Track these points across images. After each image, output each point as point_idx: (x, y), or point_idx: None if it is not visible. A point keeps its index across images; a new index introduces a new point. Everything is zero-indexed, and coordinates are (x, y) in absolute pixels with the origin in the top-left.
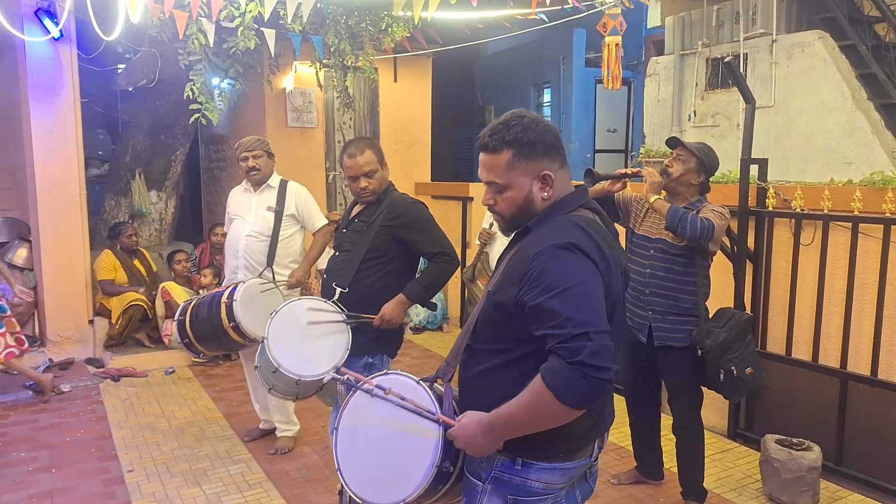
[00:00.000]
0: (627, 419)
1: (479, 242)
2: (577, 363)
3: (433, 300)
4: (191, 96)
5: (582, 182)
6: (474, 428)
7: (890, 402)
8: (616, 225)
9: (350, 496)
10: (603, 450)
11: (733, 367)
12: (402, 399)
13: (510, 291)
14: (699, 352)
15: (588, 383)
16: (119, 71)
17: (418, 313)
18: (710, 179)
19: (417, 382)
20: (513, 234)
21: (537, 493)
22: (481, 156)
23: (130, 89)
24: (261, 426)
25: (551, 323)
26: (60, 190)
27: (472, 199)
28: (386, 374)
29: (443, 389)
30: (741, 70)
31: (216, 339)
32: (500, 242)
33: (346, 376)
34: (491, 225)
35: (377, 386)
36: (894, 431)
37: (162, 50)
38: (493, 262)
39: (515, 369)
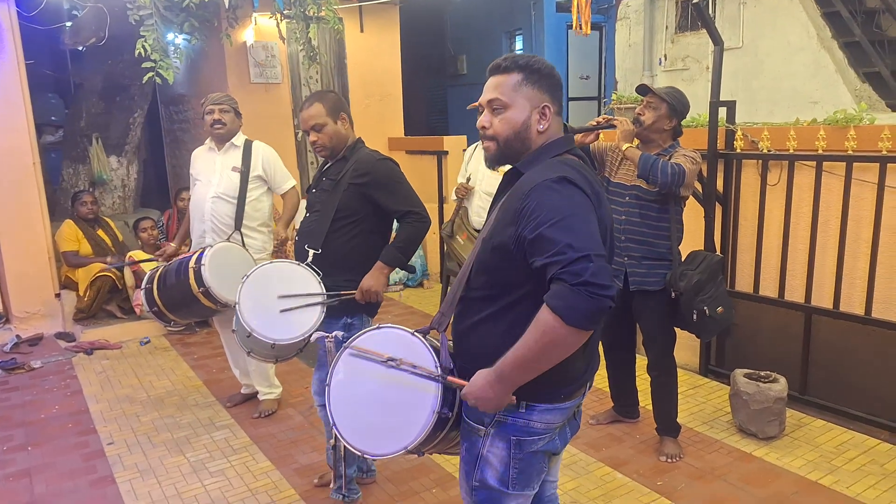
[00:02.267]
0: (604, 362)
1: (455, 198)
2: (581, 283)
3: (410, 262)
4: (143, 54)
5: None
6: (483, 382)
7: (851, 333)
8: None
9: (345, 451)
10: (590, 388)
11: (705, 308)
12: (415, 367)
13: (507, 231)
14: (673, 294)
15: (594, 301)
16: (66, 29)
17: (397, 271)
18: (681, 123)
19: (413, 334)
20: (501, 182)
21: (539, 432)
22: (490, 79)
23: (80, 49)
24: (242, 391)
25: (552, 251)
26: (12, 159)
27: (447, 153)
28: (379, 327)
29: (438, 341)
30: (710, 11)
31: (186, 305)
32: (479, 197)
33: (357, 350)
34: (468, 179)
35: (390, 358)
36: (855, 360)
37: (110, 5)
38: (472, 217)
39: (507, 317)
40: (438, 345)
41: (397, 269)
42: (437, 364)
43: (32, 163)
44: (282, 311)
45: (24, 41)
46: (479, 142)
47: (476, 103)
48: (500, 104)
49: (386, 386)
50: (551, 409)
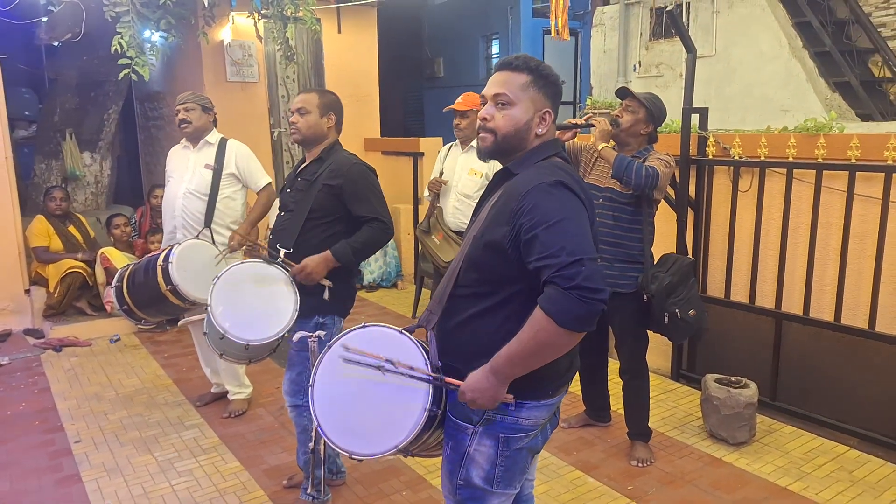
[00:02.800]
0: None
1: (428, 195)
2: (573, 287)
3: (389, 269)
4: (119, 51)
5: None
6: (479, 378)
7: (820, 339)
8: None
9: (329, 452)
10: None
11: (677, 310)
12: (412, 369)
13: (502, 230)
14: (645, 297)
15: (586, 305)
16: (41, 24)
17: (372, 271)
18: (657, 129)
19: (401, 333)
20: (496, 180)
21: (526, 429)
22: (498, 74)
23: (56, 44)
24: (212, 390)
25: (546, 253)
26: None
27: (422, 154)
28: (364, 326)
29: (426, 339)
30: (684, 19)
31: (155, 304)
32: (454, 195)
33: (351, 351)
34: (441, 174)
35: (387, 360)
36: (824, 366)
37: (86, 1)
38: (447, 217)
39: (500, 313)
40: (427, 343)
41: (373, 270)
42: (428, 363)
43: (4, 157)
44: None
45: None
46: (453, 142)
47: (452, 105)
48: (506, 100)
49: (373, 385)
50: (539, 406)
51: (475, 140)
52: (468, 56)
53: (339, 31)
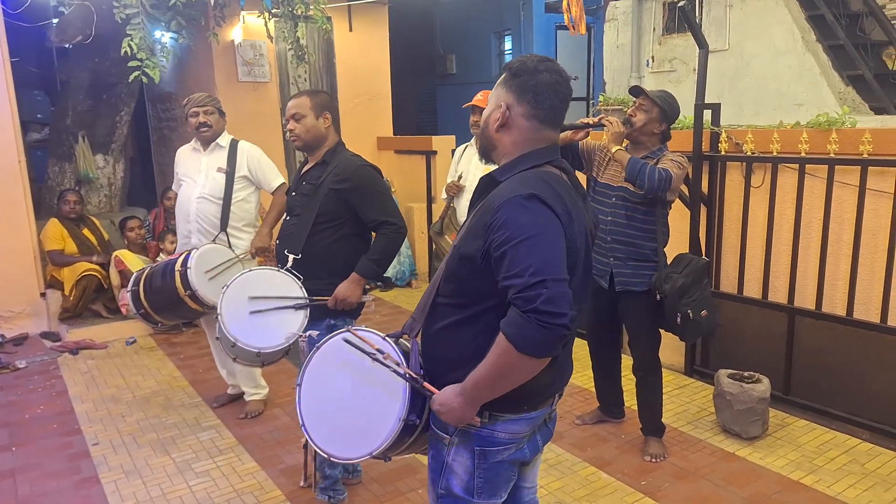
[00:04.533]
0: (590, 362)
1: (444, 197)
2: (531, 311)
3: (400, 268)
4: (129, 53)
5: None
6: (449, 394)
7: (833, 334)
8: (578, 173)
9: (315, 451)
10: (562, 397)
11: (689, 311)
12: (398, 364)
13: (476, 244)
14: (658, 296)
15: (544, 330)
16: (52, 27)
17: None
18: (671, 128)
19: (384, 338)
20: (481, 187)
21: (503, 442)
22: None
23: (67, 46)
24: (229, 391)
25: (511, 272)
26: None
27: (435, 152)
28: (351, 330)
29: (409, 345)
30: (697, 14)
31: (173, 308)
32: (468, 197)
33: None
34: (459, 177)
35: (378, 350)
36: (837, 360)
37: (97, 3)
38: (460, 217)
39: (474, 326)
40: (409, 349)
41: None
42: (405, 369)
43: (18, 161)
44: (251, 312)
45: (10, 38)
46: (468, 142)
47: (471, 102)
48: (485, 104)
49: (355, 389)
50: (515, 420)
51: None
52: (481, 53)
53: (351, 30)
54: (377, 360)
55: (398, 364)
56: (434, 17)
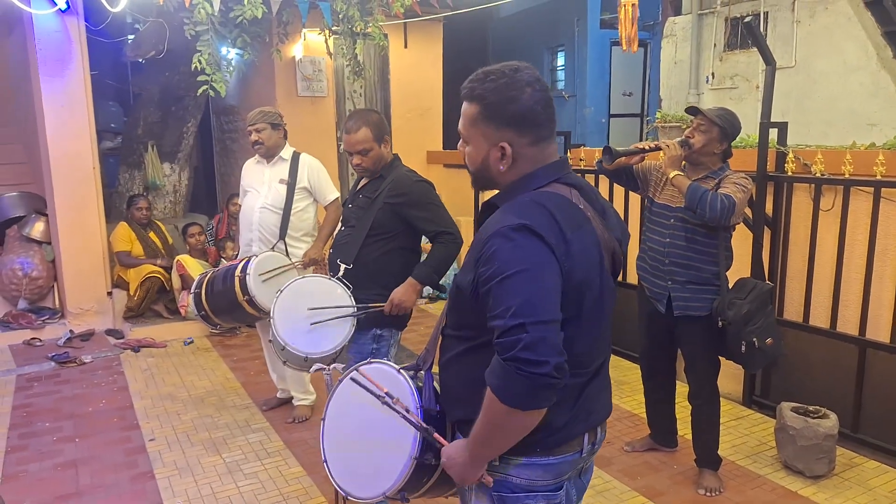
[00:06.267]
0: (642, 387)
1: None
2: (509, 358)
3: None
4: (198, 68)
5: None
6: (457, 449)
7: None
8: (634, 194)
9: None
10: (599, 447)
11: (755, 339)
12: (407, 411)
13: (468, 276)
14: (720, 323)
15: (523, 379)
16: (128, 42)
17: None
18: (731, 144)
19: (398, 371)
20: (482, 215)
21: (521, 488)
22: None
23: (141, 61)
24: (278, 395)
25: (494, 311)
26: (74, 163)
27: None
28: (370, 362)
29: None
30: (761, 29)
31: (232, 311)
32: None
33: (360, 379)
34: None
35: (387, 394)
36: None
37: (170, 20)
38: None
39: (473, 359)
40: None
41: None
42: (420, 406)
43: (92, 167)
44: (312, 324)
45: (90, 53)
46: None
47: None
48: (463, 136)
49: (372, 425)
50: (528, 464)
51: None
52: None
53: (406, 46)
54: (386, 403)
55: (407, 411)
56: (487, 33)
